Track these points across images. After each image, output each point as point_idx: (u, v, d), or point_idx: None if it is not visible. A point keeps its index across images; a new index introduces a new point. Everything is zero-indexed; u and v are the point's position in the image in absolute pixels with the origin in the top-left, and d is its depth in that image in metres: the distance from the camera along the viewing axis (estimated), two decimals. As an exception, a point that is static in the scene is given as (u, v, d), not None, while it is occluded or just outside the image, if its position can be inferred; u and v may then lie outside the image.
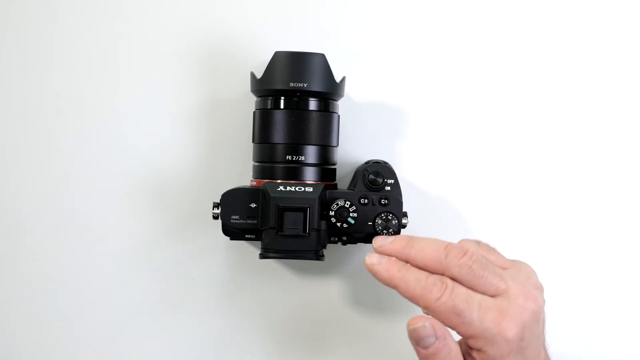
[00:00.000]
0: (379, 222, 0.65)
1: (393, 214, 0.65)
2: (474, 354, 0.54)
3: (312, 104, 0.66)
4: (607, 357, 0.75)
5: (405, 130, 0.74)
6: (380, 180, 0.65)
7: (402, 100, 0.74)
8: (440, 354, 0.54)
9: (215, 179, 0.73)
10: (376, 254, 0.57)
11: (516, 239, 0.74)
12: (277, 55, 0.65)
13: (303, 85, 0.65)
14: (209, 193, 0.71)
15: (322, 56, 0.66)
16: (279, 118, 0.66)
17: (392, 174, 0.66)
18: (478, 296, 0.53)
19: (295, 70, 0.65)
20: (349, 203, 0.65)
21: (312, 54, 0.65)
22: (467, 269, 0.54)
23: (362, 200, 0.65)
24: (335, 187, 0.69)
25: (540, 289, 0.57)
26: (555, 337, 0.74)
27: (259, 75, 0.67)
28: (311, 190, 0.64)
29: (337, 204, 0.65)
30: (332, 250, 0.73)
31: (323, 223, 0.65)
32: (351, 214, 0.65)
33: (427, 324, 0.54)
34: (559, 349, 0.74)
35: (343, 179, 0.73)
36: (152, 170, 0.74)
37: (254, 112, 0.68)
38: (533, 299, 0.54)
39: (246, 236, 0.67)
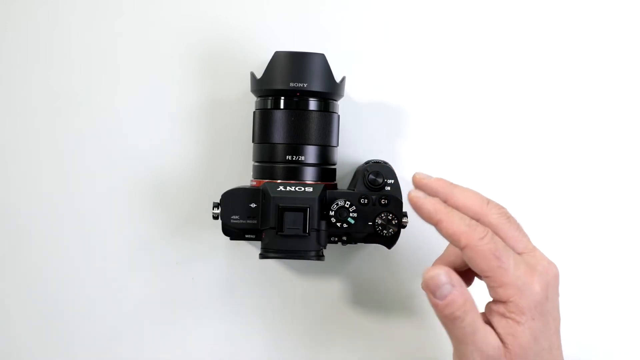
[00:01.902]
0: (379, 222, 0.65)
1: (393, 214, 0.65)
2: (499, 307, 0.54)
3: (312, 104, 0.66)
4: (607, 357, 0.75)
5: (405, 130, 0.74)
6: (380, 180, 0.66)
7: (402, 100, 0.74)
8: (457, 303, 0.53)
9: (215, 179, 0.73)
10: (419, 192, 0.56)
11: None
12: (277, 55, 0.65)
13: (303, 85, 0.65)
14: (209, 193, 0.71)
15: (322, 56, 0.66)
16: (279, 118, 0.66)
17: (392, 174, 0.66)
18: (512, 246, 0.55)
19: (295, 70, 0.65)
20: (349, 203, 0.65)
21: (312, 54, 0.65)
22: (505, 219, 0.56)
23: (362, 200, 0.65)
24: (335, 187, 0.69)
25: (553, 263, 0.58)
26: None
27: (259, 75, 0.67)
28: (311, 190, 0.64)
29: (337, 204, 0.65)
30: (332, 250, 0.73)
31: (323, 223, 0.65)
32: (351, 214, 0.65)
33: (442, 272, 0.53)
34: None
35: (343, 179, 0.73)
36: (152, 170, 0.74)
37: (254, 112, 0.68)
38: (554, 265, 0.56)
39: (246, 236, 0.67)
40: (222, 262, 0.74)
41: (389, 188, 0.66)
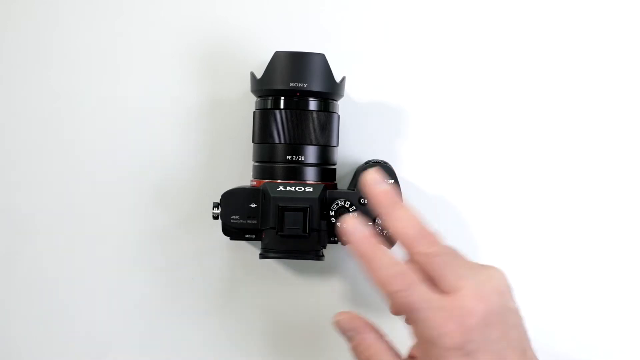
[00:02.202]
0: (379, 222, 0.65)
1: (393, 214, 0.65)
2: (417, 351, 0.54)
3: (312, 104, 0.66)
4: (607, 357, 0.75)
5: (405, 130, 0.74)
6: (380, 180, 0.65)
7: (402, 100, 0.74)
8: (359, 348, 0.55)
9: (215, 179, 0.73)
10: (356, 220, 0.54)
11: (516, 239, 0.74)
12: (277, 55, 0.65)
13: (303, 85, 0.65)
14: (209, 193, 0.71)
15: (322, 56, 0.66)
16: (279, 118, 0.66)
17: (392, 174, 0.66)
18: (436, 296, 0.52)
19: (295, 70, 0.65)
20: (349, 203, 0.65)
21: (312, 54, 0.65)
22: (429, 259, 0.53)
23: (362, 200, 0.65)
24: (335, 187, 0.69)
25: (500, 292, 0.54)
26: (555, 337, 0.74)
27: (259, 75, 0.67)
28: (311, 190, 0.64)
29: (337, 204, 0.65)
30: (332, 250, 0.73)
31: (323, 223, 0.65)
32: (351, 214, 0.65)
33: (343, 319, 0.56)
34: (558, 349, 0.74)
35: (343, 179, 0.73)
36: (152, 170, 0.74)
37: (254, 112, 0.68)
38: (485, 301, 0.52)
39: (246, 236, 0.67)
40: (222, 262, 0.74)
41: (388, 188, 0.66)
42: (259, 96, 0.68)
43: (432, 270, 0.53)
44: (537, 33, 0.74)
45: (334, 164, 0.69)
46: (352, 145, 0.74)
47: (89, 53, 0.74)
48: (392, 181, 0.66)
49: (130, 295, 0.74)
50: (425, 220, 0.53)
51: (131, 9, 0.74)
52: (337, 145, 0.69)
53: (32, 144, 0.74)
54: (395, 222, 0.54)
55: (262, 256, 0.66)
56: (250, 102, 0.71)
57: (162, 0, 0.74)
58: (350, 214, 0.58)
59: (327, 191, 0.65)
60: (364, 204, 0.65)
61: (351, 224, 0.54)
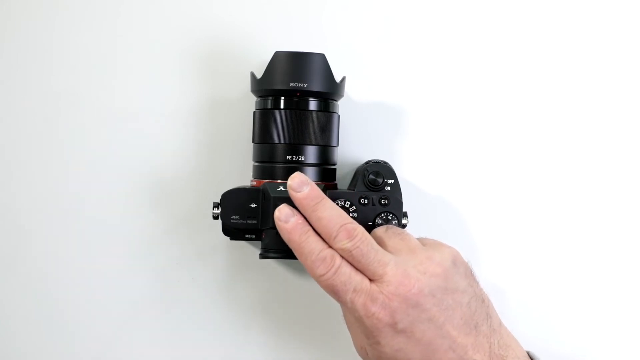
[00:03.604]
0: (379, 222, 0.65)
1: (393, 214, 0.65)
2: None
3: (312, 104, 0.66)
4: (607, 357, 0.75)
5: (405, 130, 0.74)
6: (380, 180, 0.66)
7: (402, 100, 0.74)
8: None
9: (215, 179, 0.73)
10: (288, 208, 0.61)
11: (516, 239, 0.74)
12: (277, 55, 0.65)
13: (303, 85, 0.65)
14: (209, 193, 0.71)
15: (322, 56, 0.66)
16: (279, 118, 0.66)
17: (392, 174, 0.66)
18: (358, 279, 0.58)
19: (295, 70, 0.65)
20: (349, 203, 0.65)
21: (312, 54, 0.65)
22: (348, 253, 0.58)
23: (362, 200, 0.65)
24: (335, 187, 0.69)
25: (432, 273, 0.59)
26: (555, 337, 0.74)
27: (259, 75, 0.67)
28: (311, 190, 0.64)
29: (337, 204, 0.65)
30: (332, 250, 0.72)
31: (323, 223, 0.65)
32: (351, 214, 0.65)
33: (285, 205, 0.61)
34: (558, 348, 0.74)
35: (343, 179, 0.73)
36: (152, 170, 0.74)
37: (254, 112, 0.68)
38: (408, 284, 0.57)
39: (246, 236, 0.67)
40: (222, 262, 0.74)
41: (389, 188, 0.66)
42: (259, 96, 0.68)
43: (356, 262, 0.58)
44: (537, 33, 0.74)
45: (334, 164, 0.69)
46: (352, 145, 0.74)
47: (89, 53, 0.74)
48: (392, 181, 0.66)
49: (130, 295, 0.74)
50: (345, 216, 0.60)
51: (131, 9, 0.74)
52: (337, 145, 0.69)
53: (32, 144, 0.74)
54: (316, 222, 0.60)
55: (262, 256, 0.66)
56: (250, 102, 0.71)
57: (162, 0, 0.74)
58: (283, 204, 0.61)
59: (327, 191, 0.65)
60: (364, 204, 0.65)
61: (283, 212, 0.60)
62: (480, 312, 0.60)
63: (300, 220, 0.60)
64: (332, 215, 0.59)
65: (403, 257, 0.59)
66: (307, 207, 0.60)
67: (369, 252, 0.59)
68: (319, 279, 0.58)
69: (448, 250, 0.61)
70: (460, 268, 0.61)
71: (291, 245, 0.60)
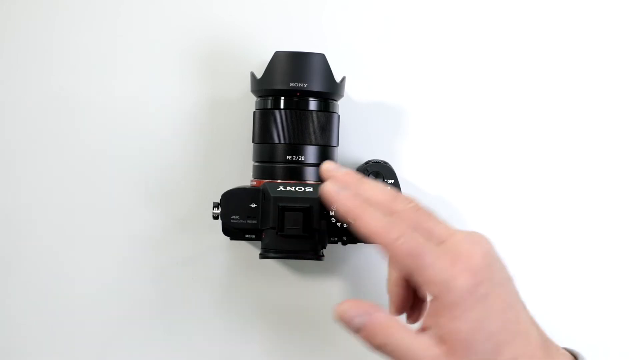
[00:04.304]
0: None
1: (393, 214, 0.65)
2: (433, 306, 0.51)
3: (312, 104, 0.66)
4: (607, 357, 0.75)
5: (405, 130, 0.74)
6: (380, 180, 0.65)
7: (402, 100, 0.74)
8: (375, 330, 0.51)
9: (215, 179, 0.73)
10: (335, 182, 0.54)
11: (516, 239, 0.74)
12: (277, 55, 0.65)
13: (303, 85, 0.65)
14: (209, 193, 0.71)
15: (322, 56, 0.66)
16: (279, 118, 0.66)
17: (392, 174, 0.66)
18: (429, 242, 0.51)
19: (295, 70, 0.65)
20: (349, 203, 0.65)
21: (312, 54, 0.65)
22: (415, 211, 0.53)
23: (362, 200, 0.65)
24: (335, 187, 0.68)
25: (487, 240, 0.53)
26: (555, 337, 0.74)
27: (259, 75, 0.67)
28: (311, 190, 0.64)
29: (337, 204, 0.65)
30: (332, 250, 0.73)
31: (323, 223, 0.65)
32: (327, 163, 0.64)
33: (348, 306, 0.52)
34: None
35: (343, 179, 0.72)
36: (152, 170, 0.74)
37: (254, 112, 0.68)
38: (479, 242, 0.52)
39: (246, 236, 0.67)
40: (222, 262, 0.74)
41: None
42: (259, 96, 0.68)
43: (419, 223, 0.52)
44: (537, 33, 0.74)
45: (334, 164, 0.69)
46: (352, 145, 0.73)
47: (89, 53, 0.74)
48: (392, 181, 0.66)
49: (130, 295, 0.74)
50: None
51: (131, 9, 0.74)
52: (337, 145, 0.69)
53: (32, 144, 0.74)
54: (369, 191, 0.54)
55: (262, 256, 0.66)
56: (250, 102, 0.71)
57: (162, 0, 0.74)
58: (326, 163, 0.56)
59: (328, 191, 0.65)
60: (364, 204, 0.65)
61: (332, 186, 0.54)
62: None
63: (352, 190, 0.54)
64: (382, 186, 0.55)
65: (466, 232, 0.53)
66: (354, 180, 0.55)
67: (432, 214, 0.53)
68: (395, 243, 0.50)
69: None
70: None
71: (353, 215, 0.53)
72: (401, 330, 0.51)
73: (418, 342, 0.50)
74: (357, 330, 0.52)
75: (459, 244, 0.51)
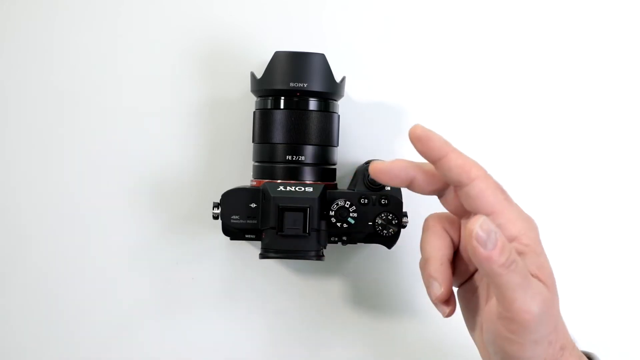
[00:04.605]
0: (379, 222, 0.65)
1: (393, 214, 0.65)
2: (516, 246, 0.51)
3: (312, 104, 0.66)
4: (607, 357, 0.75)
5: (406, 130, 0.74)
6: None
7: (402, 100, 0.74)
8: (508, 246, 0.48)
9: (215, 179, 0.73)
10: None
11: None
12: (277, 55, 0.65)
13: (303, 85, 0.65)
14: (209, 193, 0.71)
15: (322, 56, 0.66)
16: (279, 118, 0.66)
17: (392, 174, 0.66)
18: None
19: (295, 70, 0.65)
20: (349, 203, 0.65)
21: (312, 54, 0.65)
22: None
23: (362, 200, 0.65)
24: (335, 187, 0.69)
25: None
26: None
27: (259, 75, 0.67)
28: (311, 190, 0.64)
29: (337, 204, 0.65)
30: (332, 250, 0.73)
31: (323, 223, 0.65)
32: (351, 214, 0.65)
33: (486, 219, 0.47)
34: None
35: (343, 179, 0.73)
36: (152, 170, 0.74)
37: (254, 112, 0.68)
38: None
39: (246, 236, 0.67)
40: (222, 262, 0.74)
41: (389, 188, 0.66)
42: (259, 96, 0.68)
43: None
44: (537, 33, 0.74)
45: (334, 164, 0.69)
46: (352, 145, 0.74)
47: (89, 53, 0.74)
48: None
49: (130, 295, 0.74)
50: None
51: (131, 9, 0.74)
52: (337, 145, 0.69)
53: (32, 144, 0.74)
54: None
55: (262, 256, 0.66)
56: (250, 102, 0.71)
57: (162, 0, 0.74)
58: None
59: (327, 191, 0.65)
60: (364, 204, 0.65)
61: (422, 127, 0.53)
62: None
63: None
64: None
65: None
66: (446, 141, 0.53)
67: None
68: (487, 175, 0.52)
69: None
70: None
71: (447, 149, 0.52)
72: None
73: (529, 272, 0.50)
74: (493, 245, 0.47)
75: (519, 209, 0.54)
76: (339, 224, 0.65)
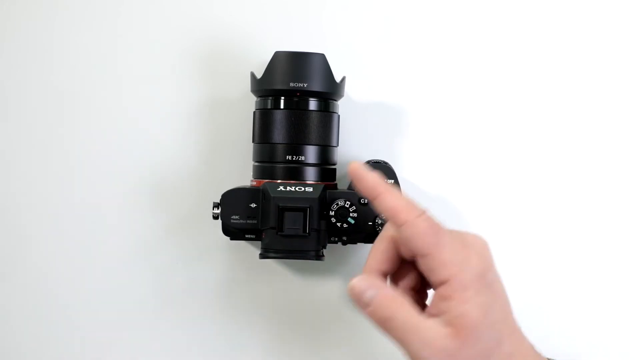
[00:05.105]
0: (379, 222, 0.65)
1: (393, 214, 0.65)
2: (442, 290, 0.52)
3: (312, 104, 0.66)
4: (607, 357, 0.75)
5: (405, 130, 0.74)
6: (380, 180, 0.65)
7: (402, 100, 0.74)
8: (383, 304, 0.52)
9: (215, 179, 0.73)
10: (362, 164, 0.54)
11: (516, 239, 0.74)
12: (277, 55, 0.65)
13: (303, 85, 0.65)
14: (209, 193, 0.71)
15: (322, 56, 0.66)
16: (279, 118, 0.66)
17: (392, 174, 0.66)
18: (444, 226, 0.53)
19: (295, 70, 0.65)
20: (349, 203, 0.65)
21: (312, 54, 0.65)
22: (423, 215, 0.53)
23: (362, 200, 0.65)
24: (335, 187, 0.69)
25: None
26: (555, 337, 0.74)
27: (259, 75, 0.67)
28: (311, 190, 0.64)
29: (337, 204, 0.65)
30: (332, 250, 0.73)
31: (323, 223, 0.65)
32: (351, 214, 0.65)
33: (361, 279, 0.53)
34: (558, 349, 0.74)
35: (343, 179, 0.73)
36: (152, 170, 0.74)
37: (254, 112, 0.68)
38: (479, 236, 0.54)
39: (246, 236, 0.67)
40: (222, 262, 0.74)
41: (389, 188, 0.66)
42: (259, 96, 0.68)
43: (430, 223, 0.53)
44: (537, 33, 0.74)
45: (334, 164, 0.69)
46: (352, 145, 0.74)
47: (89, 53, 0.74)
48: (393, 181, 0.66)
49: (130, 295, 0.74)
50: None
51: (131, 9, 0.74)
52: (337, 145, 0.69)
53: (32, 144, 0.74)
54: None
55: (262, 256, 0.66)
56: (250, 102, 0.71)
57: (162, 0, 0.74)
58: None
59: (327, 191, 0.65)
60: (364, 204, 0.65)
61: (357, 165, 0.54)
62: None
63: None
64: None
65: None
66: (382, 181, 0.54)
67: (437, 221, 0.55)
68: (417, 220, 0.52)
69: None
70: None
71: (379, 190, 0.53)
72: (409, 307, 0.52)
73: (425, 321, 0.51)
74: (367, 304, 0.53)
75: (465, 234, 0.54)
76: (339, 224, 0.65)
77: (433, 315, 0.52)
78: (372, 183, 0.53)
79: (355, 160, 0.55)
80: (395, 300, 0.53)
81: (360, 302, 0.53)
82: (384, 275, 0.56)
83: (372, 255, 0.57)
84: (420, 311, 0.53)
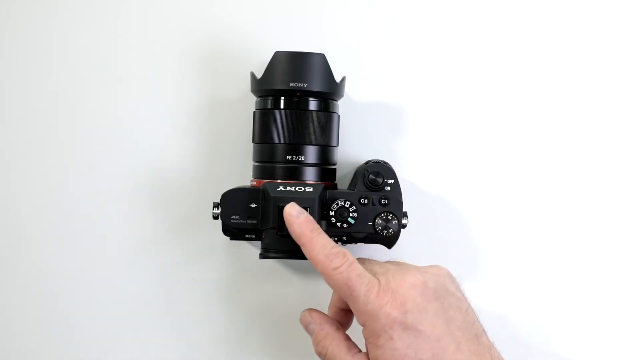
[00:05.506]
0: (379, 222, 0.65)
1: (393, 214, 0.65)
2: (364, 333, 0.58)
3: (312, 104, 0.66)
4: (607, 357, 0.75)
5: (405, 130, 0.74)
6: (380, 180, 0.65)
7: (402, 100, 0.74)
8: (317, 339, 0.61)
9: (215, 179, 0.73)
10: (297, 206, 0.61)
11: (516, 239, 0.74)
12: (277, 55, 0.65)
13: (303, 85, 0.65)
14: (209, 193, 0.71)
15: (322, 56, 0.66)
16: (279, 118, 0.66)
17: (392, 174, 0.66)
18: (370, 275, 0.58)
19: (295, 70, 0.65)
20: (349, 203, 0.65)
21: (312, 54, 0.65)
22: (351, 265, 0.59)
23: (362, 200, 0.65)
24: (335, 187, 0.69)
25: (436, 274, 0.60)
26: (554, 337, 0.74)
27: (259, 75, 0.67)
28: (311, 190, 0.64)
29: (337, 204, 0.65)
30: (332, 250, 0.72)
31: (323, 223, 0.65)
32: (351, 214, 0.65)
33: (306, 314, 0.63)
34: (558, 350, 0.74)
35: (343, 179, 0.73)
36: (152, 170, 0.74)
37: (254, 112, 0.68)
38: (413, 277, 0.58)
39: (246, 236, 0.67)
40: (222, 262, 0.74)
41: (389, 188, 0.66)
42: (259, 96, 0.68)
43: (359, 268, 0.59)
44: (537, 33, 0.74)
45: (334, 164, 0.69)
46: (352, 145, 0.74)
47: (89, 53, 0.74)
48: (392, 181, 0.66)
49: (130, 295, 0.74)
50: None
51: (131, 9, 0.74)
52: (337, 145, 0.69)
53: (32, 144, 0.74)
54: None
55: (262, 256, 0.66)
56: (250, 102, 0.71)
57: (162, 0, 0.74)
58: (292, 202, 0.62)
59: (327, 191, 0.65)
60: (364, 204, 0.65)
61: (295, 207, 0.61)
62: (478, 324, 0.59)
63: (310, 217, 0.61)
64: (325, 243, 0.60)
65: (402, 266, 0.61)
66: (308, 231, 0.60)
67: (372, 261, 0.63)
68: (333, 272, 0.58)
69: (440, 267, 0.62)
70: (455, 282, 0.61)
71: (301, 240, 0.59)
72: (341, 344, 0.60)
73: (351, 358, 0.59)
74: (310, 334, 0.63)
75: (391, 278, 0.58)
76: (339, 224, 0.65)
77: (364, 354, 0.58)
78: (297, 233, 0.60)
79: (291, 203, 0.61)
80: (328, 336, 0.61)
81: (307, 332, 0.63)
82: (343, 310, 0.65)
83: (333, 292, 0.66)
84: (355, 349, 0.60)
